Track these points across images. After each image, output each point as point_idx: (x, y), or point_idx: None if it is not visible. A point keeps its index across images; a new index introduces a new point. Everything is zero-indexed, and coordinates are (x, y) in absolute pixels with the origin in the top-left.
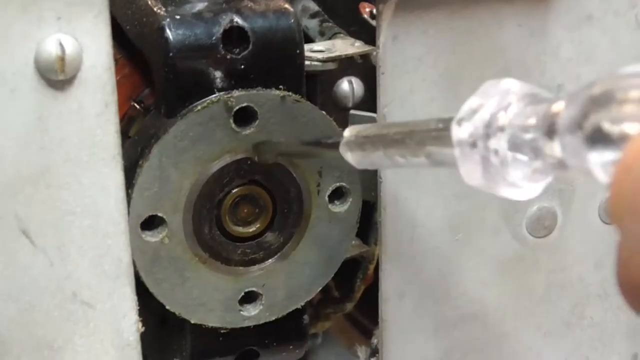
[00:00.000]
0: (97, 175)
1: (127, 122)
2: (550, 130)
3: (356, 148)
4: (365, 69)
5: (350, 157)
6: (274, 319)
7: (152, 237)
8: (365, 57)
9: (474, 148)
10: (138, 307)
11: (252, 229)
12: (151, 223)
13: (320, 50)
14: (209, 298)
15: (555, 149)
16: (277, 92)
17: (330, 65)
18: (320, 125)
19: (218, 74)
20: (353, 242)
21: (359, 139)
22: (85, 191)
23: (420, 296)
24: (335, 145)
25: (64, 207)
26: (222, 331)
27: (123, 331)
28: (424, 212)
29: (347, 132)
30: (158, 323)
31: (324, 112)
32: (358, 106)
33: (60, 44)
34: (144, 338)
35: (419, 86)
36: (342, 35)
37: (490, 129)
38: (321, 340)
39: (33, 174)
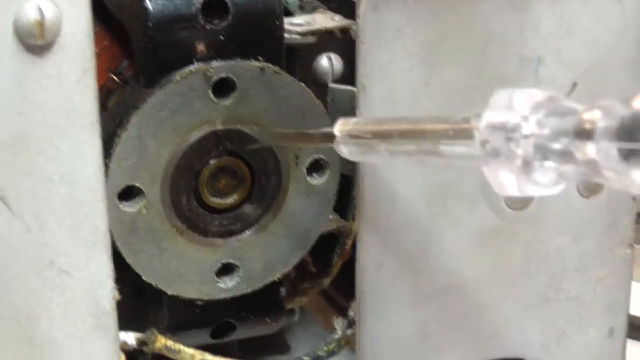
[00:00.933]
0: (75, 142)
1: (105, 94)
2: (584, 134)
3: (353, 144)
4: (344, 44)
5: (347, 152)
6: (251, 291)
7: (129, 207)
8: (344, 31)
9: (498, 154)
10: (115, 278)
11: (230, 200)
12: (129, 193)
13: (299, 24)
14: (186, 269)
15: (589, 151)
16: (257, 63)
17: (310, 39)
18: (299, 98)
19: (197, 44)
20: (331, 216)
21: (355, 133)
22: (63, 158)
23: (398, 268)
24: (328, 138)
25: (41, 173)
26: (199, 303)
27: (99, 299)
28: (402, 183)
29: (340, 126)
30: (135, 295)
31: (303, 84)
32: (337, 82)
33: (40, 9)
34: (121, 310)
35: (398, 56)
36: (322, 9)
37: (516, 134)
38: (298, 318)
39: (11, 140)
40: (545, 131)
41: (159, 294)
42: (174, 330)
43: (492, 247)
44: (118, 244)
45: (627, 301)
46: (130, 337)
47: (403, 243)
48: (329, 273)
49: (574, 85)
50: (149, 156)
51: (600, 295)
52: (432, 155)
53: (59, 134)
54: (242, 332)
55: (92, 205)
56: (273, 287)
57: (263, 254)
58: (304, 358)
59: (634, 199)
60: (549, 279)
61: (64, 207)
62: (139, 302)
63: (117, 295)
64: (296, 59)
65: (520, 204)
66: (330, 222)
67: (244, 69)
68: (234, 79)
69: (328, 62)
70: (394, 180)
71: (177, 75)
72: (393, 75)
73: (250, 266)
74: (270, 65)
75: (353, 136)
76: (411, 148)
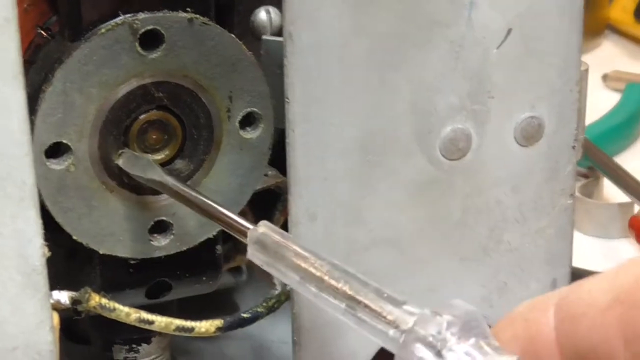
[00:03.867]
0: None
1: (33, 50)
2: None
3: (267, 254)
4: None
5: (257, 257)
6: (185, 249)
7: (57, 165)
8: None
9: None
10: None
11: (161, 156)
12: (56, 150)
13: None
14: (118, 228)
15: None
16: (184, 14)
17: None
18: (229, 49)
19: None
20: (269, 172)
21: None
22: None
23: (332, 219)
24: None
25: None
26: (132, 262)
27: (28, 256)
28: (334, 132)
29: (262, 229)
30: (69, 255)
31: (233, 36)
32: (276, 35)
33: None
34: (56, 271)
35: (326, 3)
36: None
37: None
38: (247, 278)
39: None
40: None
41: (90, 253)
42: (108, 290)
43: (428, 198)
44: (47, 203)
45: (570, 253)
46: (64, 296)
47: (336, 194)
48: None
49: (509, 31)
50: (75, 112)
51: (542, 246)
52: (349, 314)
53: None
54: (179, 292)
55: (17, 160)
56: (209, 244)
57: None
58: (244, 315)
59: (574, 147)
60: (489, 230)
61: None
62: (71, 263)
63: (47, 252)
64: (233, 14)
65: (457, 153)
66: (269, 177)
67: (172, 20)
68: (161, 31)
69: (266, 16)
70: (326, 130)
71: (103, 28)
72: (321, 22)
73: (183, 223)
74: (198, 16)
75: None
76: (329, 299)
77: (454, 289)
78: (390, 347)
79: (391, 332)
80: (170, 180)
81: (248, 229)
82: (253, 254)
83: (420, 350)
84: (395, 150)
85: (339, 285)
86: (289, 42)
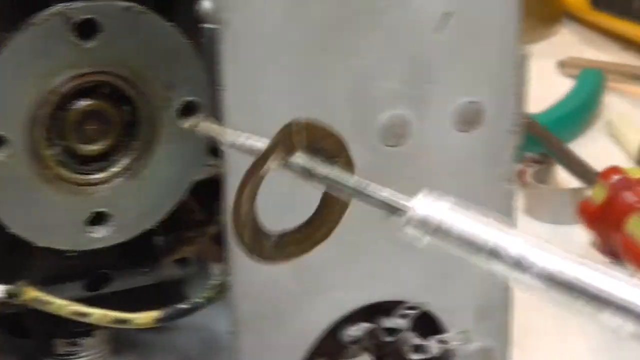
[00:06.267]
0: None
1: None
2: None
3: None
4: None
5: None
6: (125, 240)
7: None
8: None
9: None
10: None
11: (99, 146)
12: None
13: None
14: (56, 220)
15: None
16: (121, 3)
17: None
18: (167, 38)
19: None
20: (212, 162)
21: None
22: None
23: (269, 208)
24: None
25: None
26: (71, 254)
27: None
28: (270, 121)
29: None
30: (6, 248)
31: (170, 24)
32: None
33: None
34: None
35: None
36: None
37: None
38: (197, 269)
39: None
40: None
41: (29, 246)
42: (47, 283)
43: None
44: None
45: None
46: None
47: (273, 184)
48: (215, 220)
49: (447, 15)
50: (11, 102)
51: None
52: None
53: None
54: (119, 284)
55: None
56: (148, 235)
57: (136, 202)
58: (183, 306)
59: (514, 132)
60: None
61: None
62: (9, 255)
63: None
64: (179, 2)
65: (396, 140)
66: (213, 167)
67: (108, 9)
68: (98, 20)
69: (210, 4)
70: (262, 117)
71: (38, 18)
72: (255, 9)
73: (122, 214)
74: (135, 4)
75: None
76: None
77: (395, 277)
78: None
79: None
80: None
81: None
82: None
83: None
84: None
85: None
86: (223, 30)
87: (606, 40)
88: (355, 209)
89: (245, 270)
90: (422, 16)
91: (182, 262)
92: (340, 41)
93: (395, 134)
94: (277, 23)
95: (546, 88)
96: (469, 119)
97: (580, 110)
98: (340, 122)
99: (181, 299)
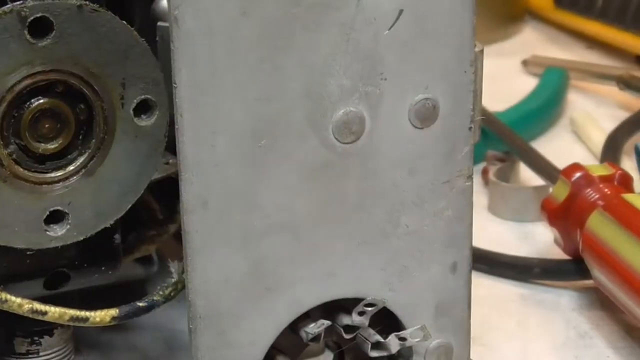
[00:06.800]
0: None
1: None
2: None
3: None
4: None
5: None
6: (82, 238)
7: None
8: None
9: None
10: None
11: (54, 145)
12: None
13: None
14: (12, 218)
15: None
16: (74, 1)
17: None
18: (121, 36)
19: None
20: (171, 160)
21: None
22: None
23: (225, 206)
24: None
25: None
26: (28, 253)
27: None
28: (224, 118)
29: None
30: None
31: (124, 22)
32: None
33: None
34: None
35: None
36: None
37: None
38: (158, 268)
39: None
40: None
41: None
42: (5, 281)
43: (323, 182)
44: None
45: (469, 235)
46: None
47: (229, 179)
48: (175, 219)
49: (400, 12)
50: None
51: (441, 229)
52: None
53: None
54: (78, 282)
55: None
56: (107, 234)
57: (93, 200)
58: (140, 304)
59: (470, 128)
60: (386, 214)
61: None
62: None
63: None
64: (135, 3)
65: (350, 136)
66: (171, 165)
67: (61, 7)
68: (50, 18)
69: (167, 2)
70: (216, 115)
71: None
72: (207, 5)
73: (80, 213)
74: (88, 2)
75: None
76: None
77: (353, 274)
78: None
79: None
80: None
81: None
82: None
83: None
84: (289, 135)
85: None
86: (175, 27)
87: (570, 38)
88: (311, 206)
89: (201, 268)
90: (376, 13)
91: (144, 261)
92: (294, 38)
93: (350, 130)
94: (230, 20)
95: (510, 86)
96: (425, 116)
97: (543, 108)
98: (295, 119)
99: (141, 298)
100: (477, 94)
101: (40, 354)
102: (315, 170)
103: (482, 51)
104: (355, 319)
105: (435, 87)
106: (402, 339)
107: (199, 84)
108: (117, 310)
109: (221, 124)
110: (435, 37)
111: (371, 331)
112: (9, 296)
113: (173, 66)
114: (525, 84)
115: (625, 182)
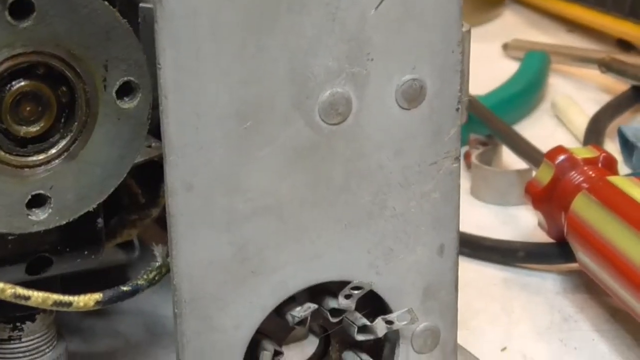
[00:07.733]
0: None
1: None
2: None
3: None
4: None
5: None
6: (65, 223)
7: None
8: None
9: None
10: None
11: (36, 128)
12: None
13: None
14: None
15: None
16: None
17: None
18: (102, 17)
19: None
20: (154, 144)
21: None
22: None
23: (209, 189)
24: None
25: None
26: (10, 238)
27: None
28: (208, 100)
29: None
30: None
31: (106, 3)
32: None
33: None
34: None
35: None
36: None
37: None
38: (139, 253)
39: None
40: None
41: None
42: None
43: (309, 164)
44: None
45: (456, 217)
46: None
47: (213, 162)
48: (158, 203)
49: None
50: None
51: (427, 211)
52: None
53: None
54: (60, 267)
55: None
56: (89, 218)
57: (75, 184)
58: (124, 288)
59: (457, 109)
60: (373, 195)
61: None
62: None
63: None
64: None
65: (337, 118)
66: (153, 149)
67: None
68: None
69: None
70: (200, 97)
71: None
72: None
73: (62, 196)
74: None
75: None
76: None
77: (339, 257)
78: None
79: None
80: None
81: None
82: None
83: None
84: (274, 117)
85: None
86: (159, 7)
87: (550, 22)
88: (297, 188)
89: (186, 251)
90: None
91: (125, 246)
92: (279, 20)
93: (336, 112)
94: (214, 0)
95: (491, 70)
96: (411, 96)
97: (525, 92)
98: (280, 101)
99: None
100: (464, 74)
101: (23, 339)
102: (301, 152)
103: (469, 31)
104: (341, 302)
105: (422, 67)
106: (389, 322)
107: (183, 65)
108: (101, 295)
109: (205, 106)
110: (422, 17)
111: (358, 315)
112: None
113: (157, 46)
114: (506, 68)
115: (610, 164)
